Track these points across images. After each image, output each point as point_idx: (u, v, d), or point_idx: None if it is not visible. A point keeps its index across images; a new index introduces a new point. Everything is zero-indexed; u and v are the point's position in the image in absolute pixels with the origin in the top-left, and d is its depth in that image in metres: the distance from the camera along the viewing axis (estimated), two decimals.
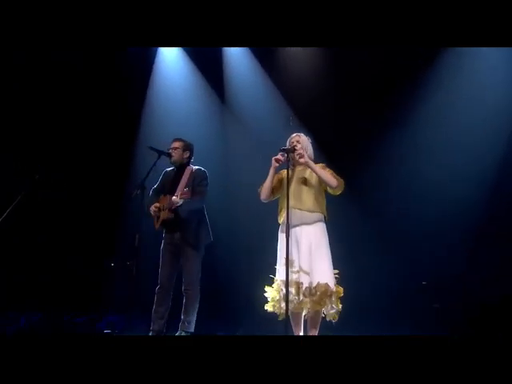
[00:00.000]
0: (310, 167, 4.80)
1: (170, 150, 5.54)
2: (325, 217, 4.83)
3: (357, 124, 6.63)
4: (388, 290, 6.20)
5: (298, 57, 7.24)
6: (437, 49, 6.49)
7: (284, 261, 4.56)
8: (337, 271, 4.73)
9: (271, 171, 4.89)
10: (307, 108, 7.02)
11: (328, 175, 4.78)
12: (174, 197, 5.31)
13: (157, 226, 5.56)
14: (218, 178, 5.77)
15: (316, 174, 4.78)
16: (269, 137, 6.94)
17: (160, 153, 5.43)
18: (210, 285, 5.97)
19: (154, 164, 5.39)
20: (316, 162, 4.96)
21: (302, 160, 4.77)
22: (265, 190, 4.92)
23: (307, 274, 4.62)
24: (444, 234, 6.18)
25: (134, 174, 7.19)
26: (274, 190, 4.95)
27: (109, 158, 7.54)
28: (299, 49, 7.16)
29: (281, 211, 4.88)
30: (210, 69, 7.66)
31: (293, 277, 4.58)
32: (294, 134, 5.03)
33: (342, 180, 4.82)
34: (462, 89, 6.32)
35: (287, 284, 4.38)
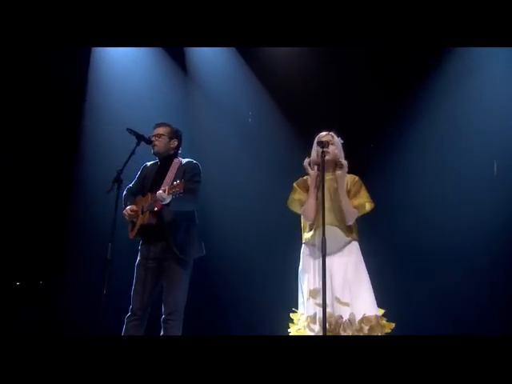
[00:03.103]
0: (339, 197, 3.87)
1: (153, 138, 4.41)
2: (357, 239, 3.93)
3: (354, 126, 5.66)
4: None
5: None
6: (441, 49, 5.61)
7: (311, 291, 3.82)
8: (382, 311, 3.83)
9: (312, 186, 3.86)
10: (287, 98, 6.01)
11: (349, 209, 3.86)
12: (159, 191, 4.15)
13: (132, 234, 4.39)
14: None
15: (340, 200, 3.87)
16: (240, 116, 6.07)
17: (140, 138, 4.29)
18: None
19: (133, 152, 4.26)
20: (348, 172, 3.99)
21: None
22: (310, 213, 3.90)
23: (346, 305, 3.71)
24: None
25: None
26: None
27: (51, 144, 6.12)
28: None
29: (308, 229, 3.93)
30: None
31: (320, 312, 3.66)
32: (325, 133, 4.00)
33: (364, 211, 3.91)
34: (469, 93, 5.50)
35: (324, 316, 3.45)
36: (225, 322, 5.63)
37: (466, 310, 5.08)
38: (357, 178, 3.99)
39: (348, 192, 3.92)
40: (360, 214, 3.90)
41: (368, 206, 3.90)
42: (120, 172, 4.12)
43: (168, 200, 4.09)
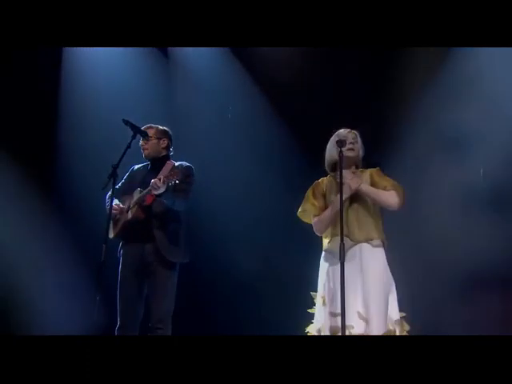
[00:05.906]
0: (364, 193, 3.62)
1: (141, 143, 4.21)
2: (383, 242, 3.64)
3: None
4: None
5: None
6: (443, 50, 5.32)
7: (325, 300, 3.56)
8: (403, 314, 3.60)
9: (336, 201, 3.50)
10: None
11: (386, 196, 3.61)
12: (154, 179, 3.91)
13: (114, 232, 4.14)
14: None
15: (373, 200, 3.63)
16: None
17: (135, 130, 4.02)
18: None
19: (129, 146, 3.97)
20: (365, 166, 3.79)
21: (354, 186, 3.58)
22: (324, 227, 3.65)
23: (362, 319, 3.46)
24: None
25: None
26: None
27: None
28: None
29: (329, 237, 3.65)
30: None
31: (331, 322, 3.49)
32: (347, 131, 3.72)
33: (402, 190, 3.65)
34: (472, 94, 5.23)
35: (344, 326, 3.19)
36: (219, 324, 5.39)
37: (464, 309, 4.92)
38: (377, 170, 3.77)
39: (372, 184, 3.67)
40: (400, 192, 3.60)
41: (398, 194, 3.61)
42: (116, 167, 3.82)
43: (163, 189, 3.86)
